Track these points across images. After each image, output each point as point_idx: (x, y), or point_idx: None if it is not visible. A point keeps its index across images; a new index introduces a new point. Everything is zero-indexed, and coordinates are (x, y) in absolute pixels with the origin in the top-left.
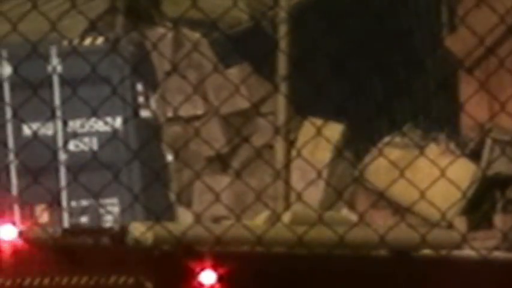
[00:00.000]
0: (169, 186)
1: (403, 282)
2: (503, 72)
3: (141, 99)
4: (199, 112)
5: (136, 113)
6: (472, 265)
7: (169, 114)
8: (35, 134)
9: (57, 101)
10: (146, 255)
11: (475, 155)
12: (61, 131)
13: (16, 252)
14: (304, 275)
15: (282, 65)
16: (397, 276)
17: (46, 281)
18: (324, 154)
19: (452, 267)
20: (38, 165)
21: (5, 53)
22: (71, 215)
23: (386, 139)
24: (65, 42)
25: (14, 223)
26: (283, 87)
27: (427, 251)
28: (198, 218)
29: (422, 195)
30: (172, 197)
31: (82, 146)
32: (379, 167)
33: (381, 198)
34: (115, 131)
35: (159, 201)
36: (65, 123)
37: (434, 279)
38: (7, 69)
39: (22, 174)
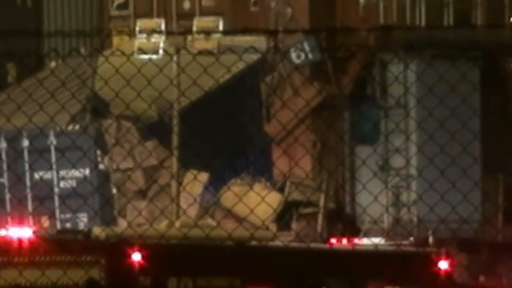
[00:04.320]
0: (114, 206)
1: (241, 259)
2: (297, 145)
3: (99, 159)
4: (130, 166)
5: (96, 166)
6: (279, 250)
7: (114, 167)
8: (41, 178)
9: (53, 159)
10: (101, 245)
11: (281, 190)
12: (55, 176)
13: (30, 243)
14: (187, 255)
15: (175, 140)
16: (238, 256)
17: (47, 258)
18: (198, 189)
19: (268, 251)
20: (44, 195)
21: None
22: (61, 222)
23: (232, 181)
24: (58, 128)
25: (29, 226)
26: (175, 152)
27: (254, 242)
28: (129, 224)
29: (251, 211)
30: (115, 212)
31: (67, 185)
32: (228, 196)
33: (229, 213)
34: (85, 176)
35: (109, 215)
36: (57, 172)
37: (258, 257)
38: (26, 142)
39: (34, 200)
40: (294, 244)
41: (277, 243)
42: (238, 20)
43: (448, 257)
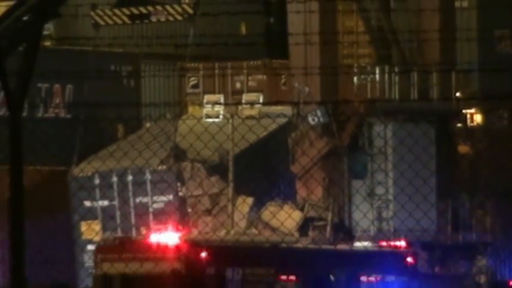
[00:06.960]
0: (189, 220)
1: (275, 255)
2: (312, 179)
3: (179, 188)
4: (200, 193)
5: (177, 194)
6: (301, 250)
7: (189, 194)
8: (140, 201)
9: (148, 188)
10: (181, 245)
11: (302, 209)
12: (150, 200)
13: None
14: (239, 253)
15: (230, 176)
16: (273, 254)
17: (144, 255)
18: (246, 209)
19: (293, 250)
20: (142, 213)
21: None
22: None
23: (269, 203)
24: (152, 168)
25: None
26: (231, 184)
27: (284, 244)
28: (199, 232)
29: (282, 223)
30: (190, 224)
31: (158, 206)
32: (266, 214)
33: (267, 225)
34: (170, 200)
35: (185, 226)
36: (151, 197)
37: (286, 255)
38: (130, 177)
39: (135, 216)
40: (311, 246)
41: (299, 245)
42: (272, 95)
43: (414, 254)
